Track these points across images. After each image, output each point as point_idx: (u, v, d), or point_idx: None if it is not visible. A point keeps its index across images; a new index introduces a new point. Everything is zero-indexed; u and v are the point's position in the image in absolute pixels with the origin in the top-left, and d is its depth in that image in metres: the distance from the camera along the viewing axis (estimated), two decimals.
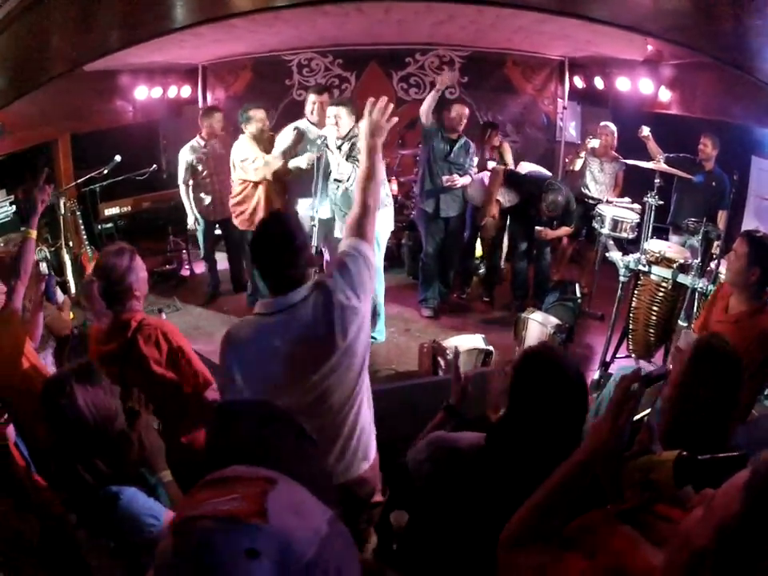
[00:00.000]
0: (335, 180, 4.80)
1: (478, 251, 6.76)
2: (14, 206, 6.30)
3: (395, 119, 2.41)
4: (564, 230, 5.87)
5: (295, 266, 2.18)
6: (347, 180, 4.72)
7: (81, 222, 6.14)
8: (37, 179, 3.33)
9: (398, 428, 3.39)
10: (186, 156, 5.96)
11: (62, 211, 5.97)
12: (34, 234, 3.20)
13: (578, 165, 6.37)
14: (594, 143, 6.32)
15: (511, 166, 6.27)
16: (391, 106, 2.39)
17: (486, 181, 5.80)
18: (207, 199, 6.12)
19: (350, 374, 2.24)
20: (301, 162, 5.05)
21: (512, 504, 1.55)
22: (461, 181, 5.60)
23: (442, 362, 4.48)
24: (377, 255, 5.14)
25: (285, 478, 0.92)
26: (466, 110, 5.63)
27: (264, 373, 2.17)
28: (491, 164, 6.10)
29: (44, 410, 2.00)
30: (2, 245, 5.86)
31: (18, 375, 2.82)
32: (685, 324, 4.79)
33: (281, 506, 0.84)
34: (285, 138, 5.20)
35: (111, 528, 1.92)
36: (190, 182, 6.00)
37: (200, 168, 6.01)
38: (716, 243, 5.13)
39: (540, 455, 1.75)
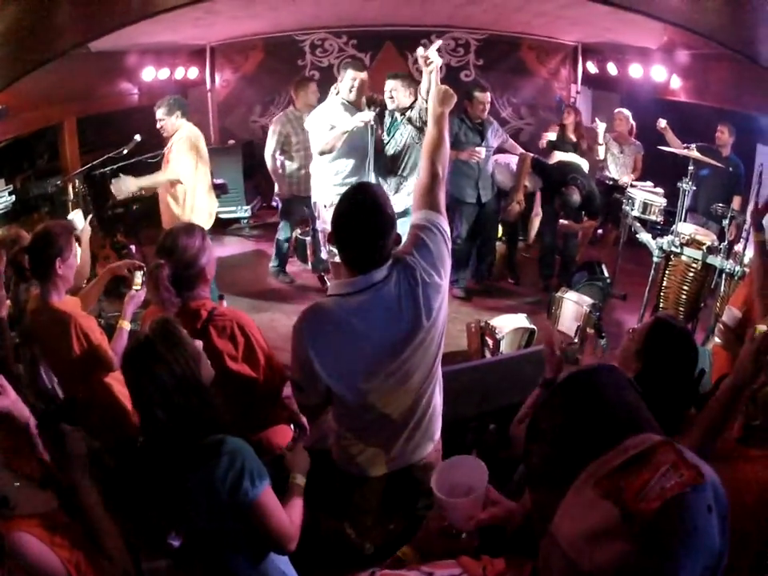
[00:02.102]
0: None
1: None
2: (12, 196, 6.03)
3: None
4: (589, 224, 6.00)
5: (384, 242, 2.01)
6: None
7: (92, 207, 5.94)
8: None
9: (464, 410, 3.43)
10: (281, 126, 5.76)
11: (71, 197, 5.77)
12: (126, 325, 2.94)
13: (601, 153, 6.45)
14: (601, 127, 6.38)
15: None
16: None
17: (513, 166, 5.84)
18: (298, 173, 5.93)
19: (429, 352, 2.16)
20: (346, 125, 4.52)
21: None
22: (483, 153, 5.61)
23: (490, 342, 4.50)
24: None
25: (663, 435, 0.94)
26: (488, 96, 5.66)
27: (348, 359, 2.04)
28: None
29: (134, 377, 1.83)
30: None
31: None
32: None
33: (697, 460, 0.87)
34: (325, 120, 4.74)
35: (207, 486, 1.73)
36: (278, 155, 5.81)
37: (293, 140, 5.82)
38: (728, 226, 5.26)
39: (668, 413, 1.83)
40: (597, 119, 6.45)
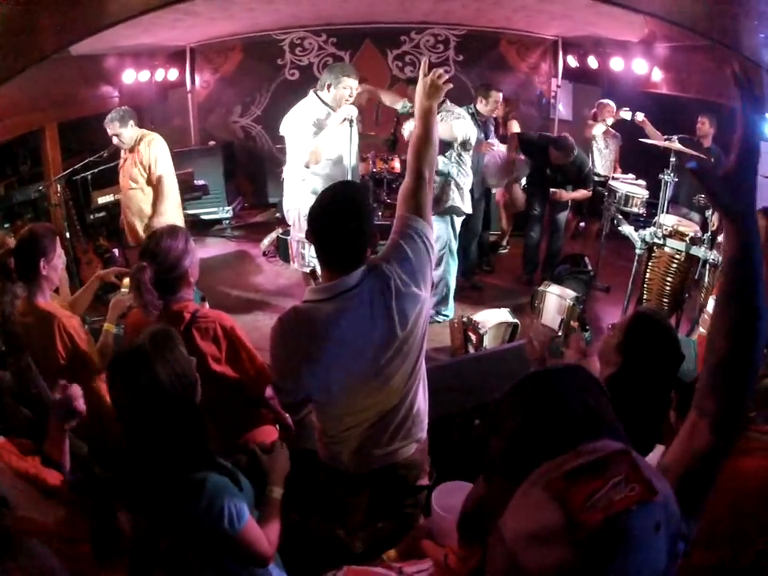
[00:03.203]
0: None
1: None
2: None
3: (450, 84, 2.21)
4: (582, 193, 5.88)
5: (363, 239, 1.97)
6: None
7: (74, 211, 5.89)
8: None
9: (449, 406, 3.44)
10: None
11: (53, 202, 5.72)
12: (112, 328, 2.95)
13: (596, 130, 6.41)
14: (627, 115, 6.36)
15: None
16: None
17: (499, 161, 5.85)
18: None
19: (409, 359, 2.12)
20: (336, 118, 4.27)
21: None
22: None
23: (473, 337, 4.50)
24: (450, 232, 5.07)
25: (626, 446, 0.90)
26: (501, 96, 5.60)
27: (323, 364, 2.00)
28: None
29: (119, 384, 1.76)
30: None
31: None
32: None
33: (653, 474, 0.84)
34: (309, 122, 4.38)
35: (185, 523, 1.72)
36: None
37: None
38: (710, 217, 5.28)
39: (648, 408, 1.90)
40: (624, 110, 6.41)
